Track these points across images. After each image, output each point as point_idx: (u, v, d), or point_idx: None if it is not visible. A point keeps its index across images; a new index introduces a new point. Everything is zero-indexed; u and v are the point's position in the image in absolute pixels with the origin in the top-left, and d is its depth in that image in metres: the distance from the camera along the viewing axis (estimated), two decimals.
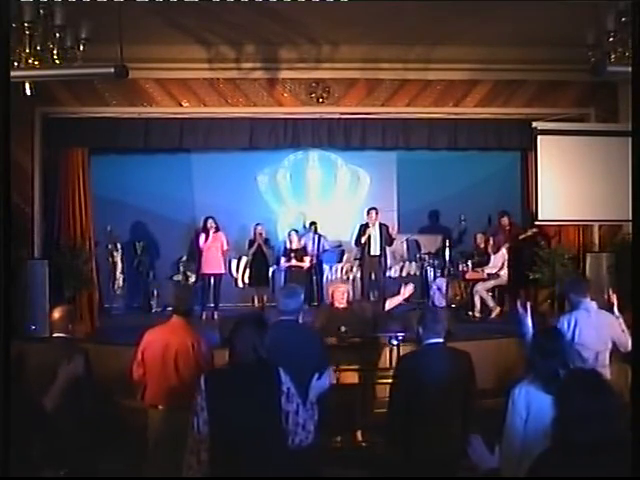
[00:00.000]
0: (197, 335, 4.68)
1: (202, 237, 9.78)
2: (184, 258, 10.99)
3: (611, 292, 5.30)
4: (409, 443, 4.06)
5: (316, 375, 3.38)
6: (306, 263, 10.00)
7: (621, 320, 5.02)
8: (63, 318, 4.52)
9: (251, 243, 10.22)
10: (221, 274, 9.96)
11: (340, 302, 6.06)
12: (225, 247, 9.86)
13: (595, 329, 4.92)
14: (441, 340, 4.14)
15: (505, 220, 9.85)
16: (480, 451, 2.75)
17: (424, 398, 3.97)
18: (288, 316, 4.45)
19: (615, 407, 2.40)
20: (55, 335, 4.49)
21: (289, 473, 3.17)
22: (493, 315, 9.28)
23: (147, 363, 4.59)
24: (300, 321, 4.62)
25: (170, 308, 5.29)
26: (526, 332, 4.83)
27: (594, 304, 5.06)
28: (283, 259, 10.06)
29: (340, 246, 11.16)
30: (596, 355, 4.88)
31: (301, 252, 10.04)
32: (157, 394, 4.56)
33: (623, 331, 4.96)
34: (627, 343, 4.91)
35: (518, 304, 5.17)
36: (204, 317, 9.56)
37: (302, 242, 10.36)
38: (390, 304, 6.53)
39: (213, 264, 9.81)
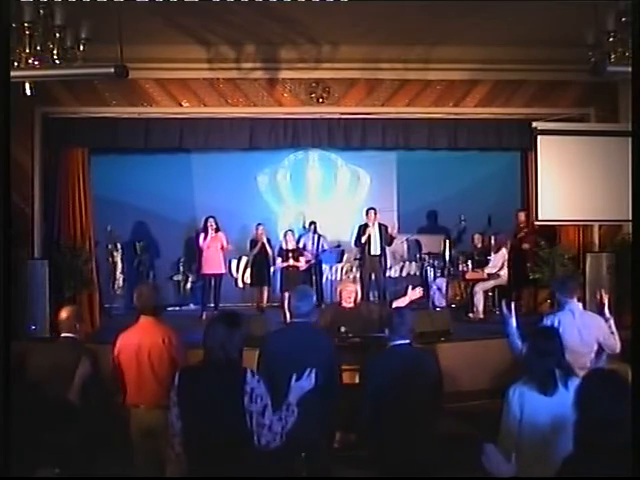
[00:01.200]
0: (168, 330, 4.61)
1: (202, 237, 9.80)
2: (184, 258, 11.00)
3: (603, 293, 5.17)
4: (381, 442, 4.12)
5: (294, 376, 3.34)
6: (302, 263, 10.00)
7: (611, 321, 4.91)
8: (70, 318, 4.49)
9: (254, 243, 10.22)
10: (221, 274, 9.96)
11: (347, 302, 6.01)
12: (225, 245, 9.87)
13: (578, 331, 4.78)
14: (407, 341, 4.18)
15: (522, 216, 9.82)
16: (495, 460, 2.73)
17: (389, 398, 4.01)
18: (300, 318, 4.45)
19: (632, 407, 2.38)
20: (63, 335, 4.47)
21: (261, 473, 3.17)
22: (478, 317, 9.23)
23: (123, 367, 4.56)
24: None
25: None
26: (511, 332, 4.82)
27: (579, 305, 4.98)
28: (279, 259, 10.06)
29: (339, 246, 11.16)
30: (578, 357, 4.62)
31: (297, 252, 10.04)
32: (137, 394, 4.53)
33: (612, 333, 4.87)
34: (615, 345, 4.84)
35: (503, 304, 5.12)
36: (204, 317, 9.58)
37: (301, 242, 10.36)
38: (396, 305, 6.51)
39: (213, 264, 9.82)
